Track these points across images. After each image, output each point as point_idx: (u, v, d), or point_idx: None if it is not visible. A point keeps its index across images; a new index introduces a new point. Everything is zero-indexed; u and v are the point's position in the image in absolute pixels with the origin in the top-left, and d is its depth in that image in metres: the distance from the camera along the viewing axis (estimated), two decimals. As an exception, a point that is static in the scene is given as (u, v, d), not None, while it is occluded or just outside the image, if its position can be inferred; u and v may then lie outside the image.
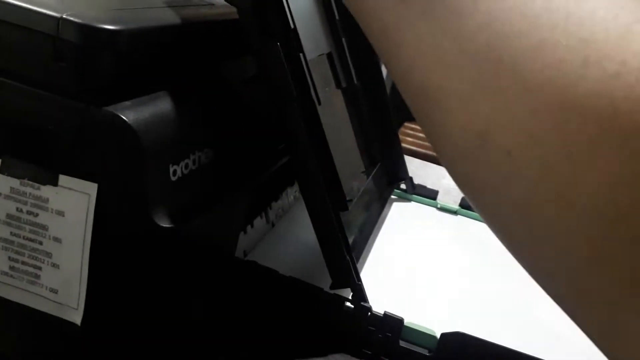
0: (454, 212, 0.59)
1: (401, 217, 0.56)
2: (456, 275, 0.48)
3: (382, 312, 0.37)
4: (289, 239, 0.47)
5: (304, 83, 0.35)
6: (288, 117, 0.34)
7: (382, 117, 0.56)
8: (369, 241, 0.49)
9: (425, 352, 0.36)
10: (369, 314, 0.37)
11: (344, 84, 0.48)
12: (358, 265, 0.44)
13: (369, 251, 0.48)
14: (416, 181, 0.61)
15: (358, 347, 0.37)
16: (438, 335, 0.36)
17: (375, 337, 0.37)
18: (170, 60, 0.32)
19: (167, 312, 0.32)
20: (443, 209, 0.59)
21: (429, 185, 0.61)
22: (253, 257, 0.41)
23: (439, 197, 0.61)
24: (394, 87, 0.22)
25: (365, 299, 0.37)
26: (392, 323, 0.36)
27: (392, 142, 0.57)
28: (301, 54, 0.35)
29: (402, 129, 1.91)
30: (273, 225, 0.48)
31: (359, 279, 0.38)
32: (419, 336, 0.37)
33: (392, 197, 0.60)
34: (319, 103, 0.38)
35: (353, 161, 0.48)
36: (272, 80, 0.33)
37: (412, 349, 0.37)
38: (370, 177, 0.51)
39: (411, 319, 0.37)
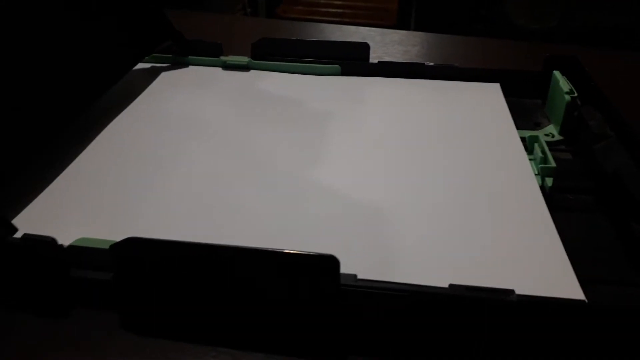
0: (245, 67, 0.45)
1: (163, 90, 0.42)
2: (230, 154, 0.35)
3: (20, 236, 0.24)
4: None
5: None
6: None
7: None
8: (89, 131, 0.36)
9: (106, 276, 0.24)
10: (2, 242, 0.24)
11: None
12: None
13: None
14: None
15: (10, 293, 0.25)
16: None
17: (31, 272, 0.25)
18: None
19: None
20: (230, 66, 0.45)
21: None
22: None
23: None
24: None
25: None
26: (41, 247, 0.24)
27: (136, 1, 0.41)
28: None
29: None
30: None
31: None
32: (95, 256, 0.25)
33: (162, 64, 0.45)
34: None
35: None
36: None
37: (86, 275, 0.25)
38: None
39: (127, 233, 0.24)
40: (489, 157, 0.34)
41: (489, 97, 0.41)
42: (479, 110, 0.39)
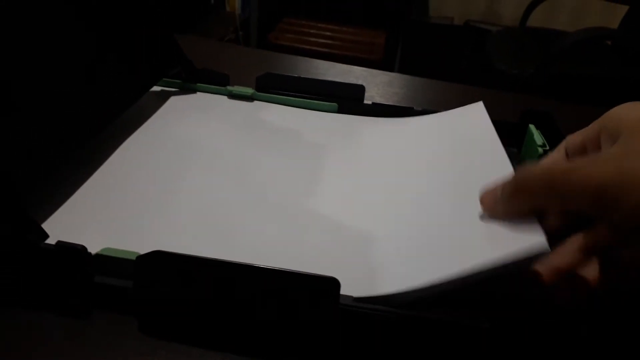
0: (249, 98, 0.49)
1: (172, 113, 0.45)
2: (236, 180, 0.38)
3: (55, 242, 0.27)
4: None
5: None
6: None
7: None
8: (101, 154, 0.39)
9: (128, 284, 0.27)
10: (36, 247, 0.27)
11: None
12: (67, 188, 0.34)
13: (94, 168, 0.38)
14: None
15: (37, 294, 0.28)
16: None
17: (59, 276, 0.27)
18: None
19: None
20: (235, 96, 0.49)
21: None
22: None
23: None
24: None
25: (33, 230, 0.27)
26: (71, 254, 0.27)
27: (151, 29, 0.45)
28: None
29: (281, 25, 1.76)
30: None
31: (18, 207, 0.27)
32: (117, 265, 0.28)
33: (172, 89, 0.49)
34: None
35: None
36: None
37: (109, 282, 0.27)
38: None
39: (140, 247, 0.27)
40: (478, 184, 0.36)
41: (476, 122, 0.43)
42: (468, 141, 0.41)
